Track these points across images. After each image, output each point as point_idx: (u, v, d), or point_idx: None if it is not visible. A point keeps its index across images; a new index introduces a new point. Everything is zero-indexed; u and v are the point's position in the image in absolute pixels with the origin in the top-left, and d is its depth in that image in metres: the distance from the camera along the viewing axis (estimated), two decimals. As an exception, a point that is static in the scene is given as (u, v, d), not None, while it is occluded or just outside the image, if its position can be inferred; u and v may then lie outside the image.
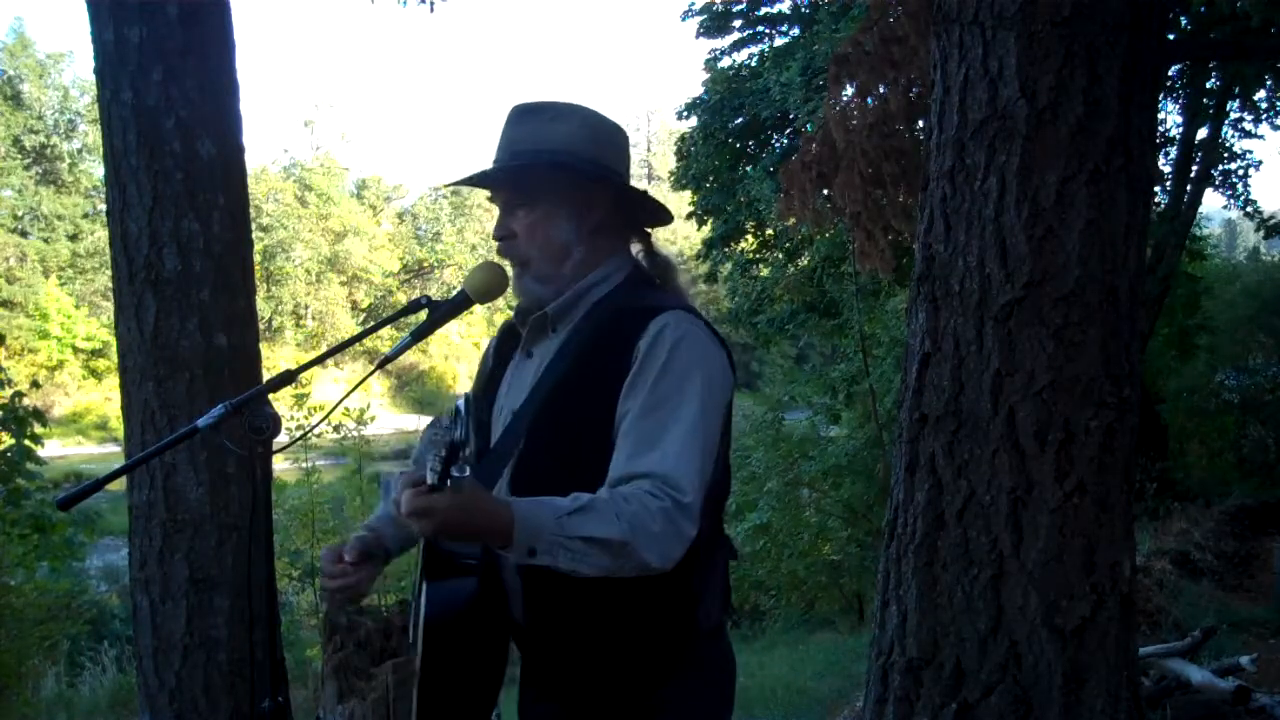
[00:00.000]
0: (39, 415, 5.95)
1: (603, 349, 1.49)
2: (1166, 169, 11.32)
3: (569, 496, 1.36)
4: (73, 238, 40.04)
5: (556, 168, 1.55)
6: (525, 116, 1.60)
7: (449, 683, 1.55)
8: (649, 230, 1.71)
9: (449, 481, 1.21)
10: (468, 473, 1.23)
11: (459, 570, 1.50)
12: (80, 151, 40.81)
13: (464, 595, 1.49)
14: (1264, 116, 11.95)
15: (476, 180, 1.65)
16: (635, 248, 1.69)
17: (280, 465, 1.54)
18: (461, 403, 1.28)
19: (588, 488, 1.39)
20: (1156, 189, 9.94)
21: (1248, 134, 12.15)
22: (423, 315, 1.61)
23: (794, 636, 9.25)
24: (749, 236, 14.62)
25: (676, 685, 1.57)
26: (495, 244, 1.63)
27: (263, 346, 3.53)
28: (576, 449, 1.49)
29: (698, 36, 14.20)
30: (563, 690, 1.63)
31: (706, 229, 14.94)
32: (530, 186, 1.57)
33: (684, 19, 14.08)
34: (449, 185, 1.76)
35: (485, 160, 1.63)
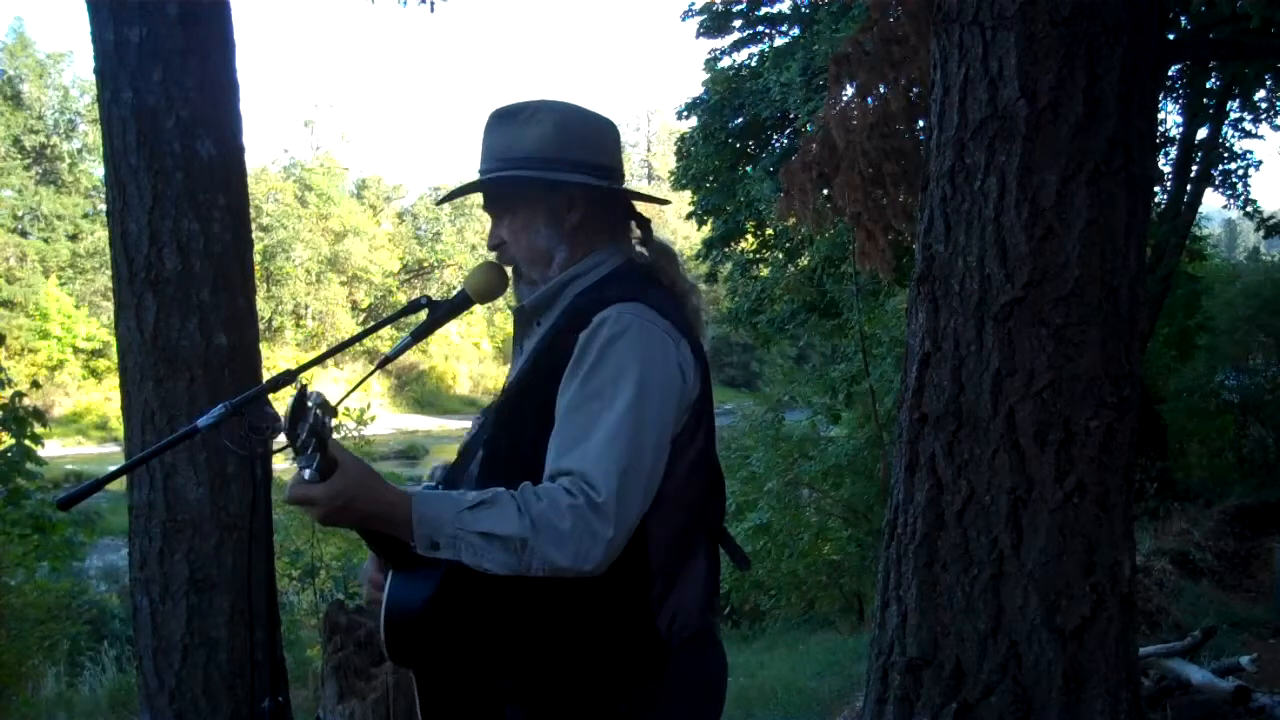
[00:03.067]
0: (39, 415, 5.95)
1: (556, 343, 1.48)
2: (1166, 169, 11.33)
3: (477, 490, 1.35)
4: (73, 238, 40.05)
5: (521, 175, 1.54)
6: (500, 121, 1.58)
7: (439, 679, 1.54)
8: (647, 217, 1.66)
9: (316, 469, 1.25)
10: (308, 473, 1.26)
11: (423, 561, 1.40)
12: (80, 151, 40.82)
13: (426, 589, 1.42)
14: (1264, 116, 11.98)
15: (456, 194, 1.68)
16: (636, 235, 1.65)
17: (280, 465, 1.53)
18: (314, 396, 1.27)
19: (540, 478, 1.39)
20: (1156, 189, 9.93)
21: (1248, 134, 12.18)
22: (423, 315, 1.61)
23: (794, 636, 9.24)
24: (749, 236, 14.61)
25: (637, 699, 1.50)
26: None
27: (263, 346, 3.53)
28: (529, 440, 1.46)
29: (698, 36, 14.20)
30: (522, 693, 1.56)
31: (706, 229, 14.93)
32: (506, 195, 1.58)
33: (684, 19, 14.08)
34: (442, 200, 1.80)
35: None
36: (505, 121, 1.57)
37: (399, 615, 1.44)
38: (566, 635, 1.47)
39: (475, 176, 1.62)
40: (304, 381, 1.35)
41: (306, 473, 1.27)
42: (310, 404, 1.24)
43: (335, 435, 1.31)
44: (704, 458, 1.54)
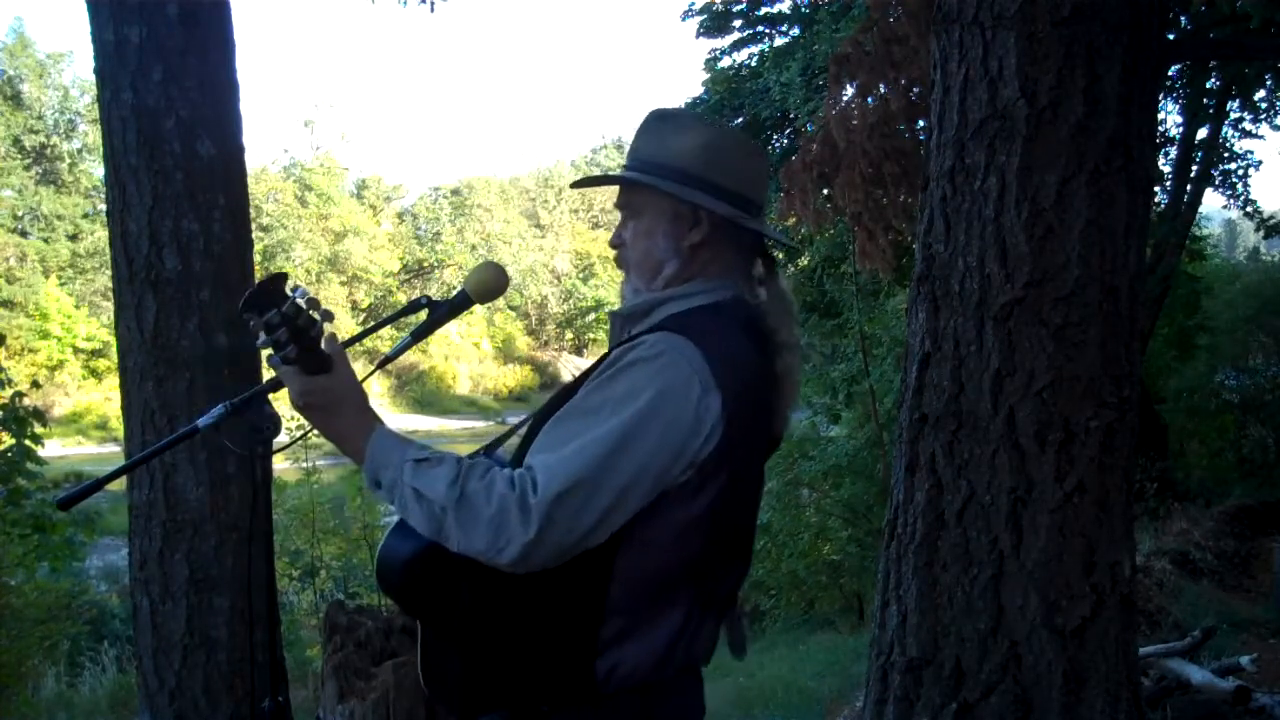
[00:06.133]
0: (39, 415, 5.96)
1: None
2: (1166, 169, 11.33)
3: (438, 451, 1.35)
4: (73, 238, 40.02)
5: (648, 182, 1.52)
6: (655, 123, 1.57)
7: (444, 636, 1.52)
8: (774, 257, 1.60)
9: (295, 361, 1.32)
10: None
11: None
12: (80, 151, 40.78)
13: (409, 548, 1.43)
14: (1264, 116, 11.98)
15: (594, 181, 1.69)
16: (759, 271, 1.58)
17: (280, 465, 1.52)
18: (301, 290, 1.32)
19: None
20: (1156, 189, 9.93)
21: (1248, 134, 12.19)
22: (423, 315, 1.61)
23: (794, 636, 9.25)
24: (749, 236, 14.60)
25: None
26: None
27: (263, 346, 3.52)
28: None
29: (698, 36, 14.19)
30: (449, 697, 1.52)
31: (707, 229, 14.93)
32: (637, 199, 1.56)
33: (684, 19, 14.07)
34: (574, 185, 1.77)
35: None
36: (659, 124, 1.56)
37: (385, 560, 1.50)
38: (508, 644, 1.43)
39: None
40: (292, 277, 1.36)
41: (275, 357, 1.32)
42: (293, 295, 1.28)
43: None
44: (713, 520, 1.43)
